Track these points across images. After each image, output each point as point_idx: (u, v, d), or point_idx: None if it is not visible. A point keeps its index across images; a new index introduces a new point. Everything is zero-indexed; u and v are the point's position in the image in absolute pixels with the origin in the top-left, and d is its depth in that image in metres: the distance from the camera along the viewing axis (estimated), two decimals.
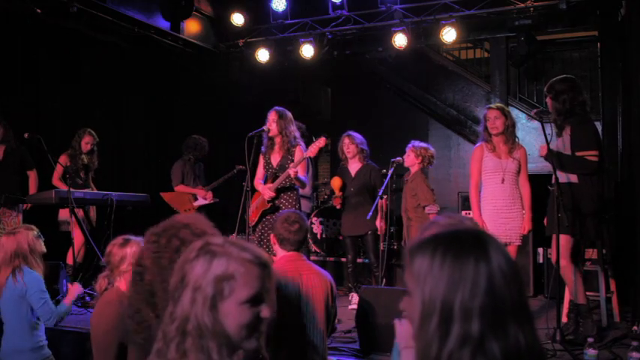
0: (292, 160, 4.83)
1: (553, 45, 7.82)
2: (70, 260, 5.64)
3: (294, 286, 2.90)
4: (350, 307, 5.17)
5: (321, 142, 4.75)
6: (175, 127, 7.76)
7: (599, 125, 6.22)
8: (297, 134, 5.02)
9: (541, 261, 5.88)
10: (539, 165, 5.54)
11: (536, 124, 5.47)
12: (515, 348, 1.07)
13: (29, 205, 5.64)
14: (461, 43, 8.31)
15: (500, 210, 4.39)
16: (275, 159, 4.97)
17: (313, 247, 6.65)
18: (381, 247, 5.36)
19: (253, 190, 5.01)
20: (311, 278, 2.95)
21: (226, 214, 6.95)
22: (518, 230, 4.39)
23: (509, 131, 4.47)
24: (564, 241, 4.01)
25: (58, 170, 5.83)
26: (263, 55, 7.58)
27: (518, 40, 6.78)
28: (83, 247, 5.81)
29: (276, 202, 4.89)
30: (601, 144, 4.17)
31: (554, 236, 4.04)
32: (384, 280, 5.28)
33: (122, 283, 2.60)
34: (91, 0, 6.09)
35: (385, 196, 5.23)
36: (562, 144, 4.14)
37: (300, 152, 4.85)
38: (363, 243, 5.75)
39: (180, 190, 6.73)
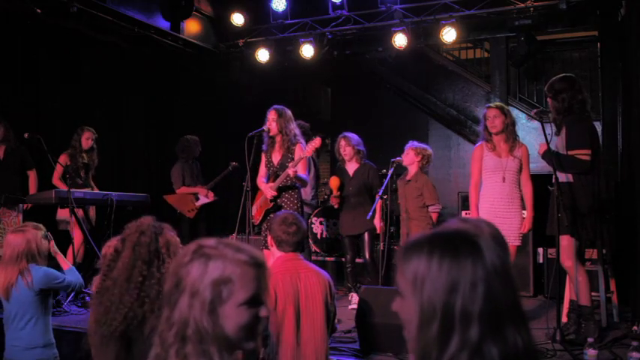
0: (292, 159, 4.85)
1: (553, 45, 7.81)
2: (69, 259, 5.64)
3: (293, 285, 2.91)
4: (350, 307, 5.17)
5: (316, 142, 4.88)
6: (175, 127, 7.75)
7: (599, 125, 6.22)
8: (298, 132, 5.04)
9: (541, 261, 5.86)
10: (539, 165, 5.53)
11: (536, 124, 5.46)
12: (514, 350, 1.06)
13: (29, 205, 5.65)
14: (461, 43, 8.30)
15: (497, 209, 4.37)
16: (276, 157, 5.00)
17: (313, 247, 6.65)
18: (381, 247, 5.35)
19: (254, 190, 5.02)
20: (309, 277, 2.97)
21: (227, 214, 6.96)
22: (515, 230, 4.36)
23: (509, 130, 4.45)
24: (567, 241, 3.99)
25: (58, 170, 5.84)
26: (263, 55, 7.58)
27: (518, 40, 6.79)
28: (82, 246, 5.81)
29: (279, 200, 4.93)
30: (597, 143, 4.14)
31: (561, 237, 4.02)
32: (381, 280, 5.25)
33: None
34: (91, 0, 6.09)
35: (385, 196, 5.23)
36: (560, 143, 4.14)
37: (300, 150, 4.87)
38: (360, 242, 5.75)
39: (183, 191, 6.74)
